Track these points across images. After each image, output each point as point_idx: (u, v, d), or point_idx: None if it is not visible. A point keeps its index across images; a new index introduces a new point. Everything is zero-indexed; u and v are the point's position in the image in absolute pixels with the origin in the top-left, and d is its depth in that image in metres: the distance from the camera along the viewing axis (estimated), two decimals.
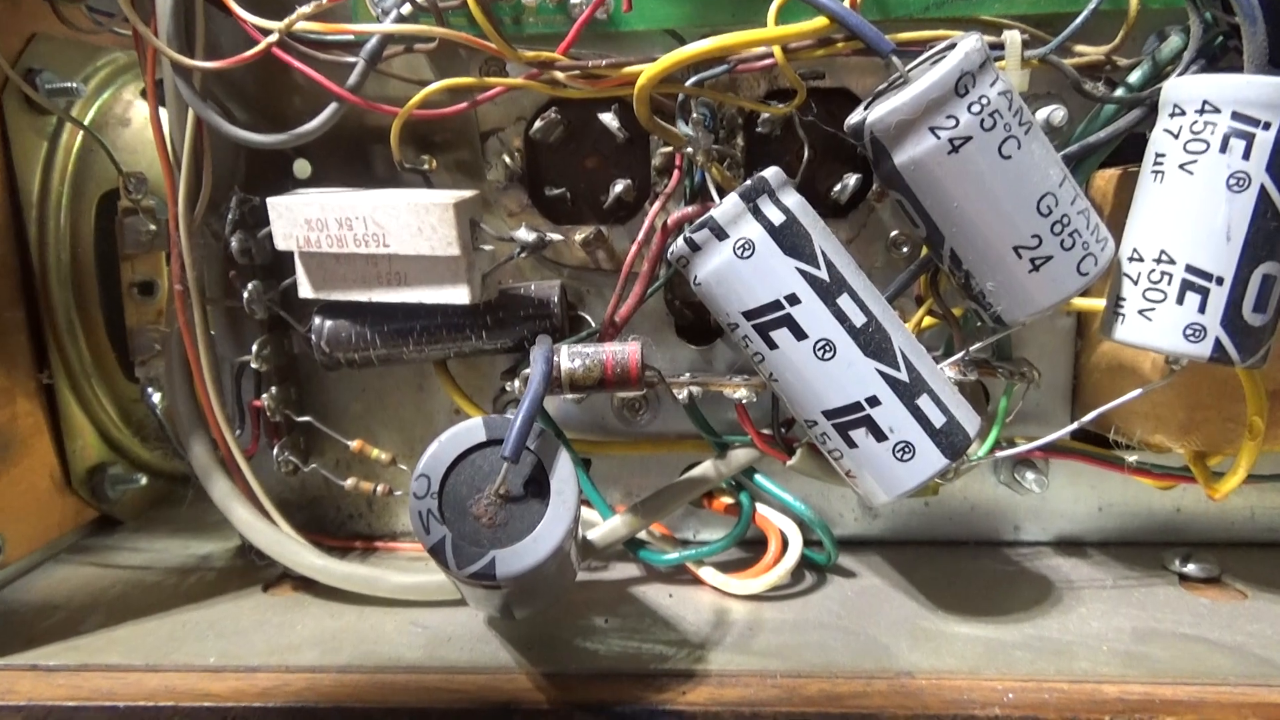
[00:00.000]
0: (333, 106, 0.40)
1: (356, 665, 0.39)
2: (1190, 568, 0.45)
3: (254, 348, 0.45)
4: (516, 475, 0.34)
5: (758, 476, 0.45)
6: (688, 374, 0.44)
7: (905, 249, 0.44)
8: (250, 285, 0.43)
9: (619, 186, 0.44)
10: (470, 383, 0.46)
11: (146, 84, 0.42)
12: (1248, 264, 0.33)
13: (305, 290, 0.41)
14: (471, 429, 0.34)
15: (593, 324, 0.44)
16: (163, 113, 0.42)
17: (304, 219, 0.39)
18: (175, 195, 0.42)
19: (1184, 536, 0.48)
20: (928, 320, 0.42)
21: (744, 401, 0.42)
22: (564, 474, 0.34)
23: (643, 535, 0.45)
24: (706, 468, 0.44)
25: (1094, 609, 0.42)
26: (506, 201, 0.45)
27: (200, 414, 0.45)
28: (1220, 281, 0.33)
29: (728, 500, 0.45)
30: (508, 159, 0.44)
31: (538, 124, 0.44)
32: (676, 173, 0.41)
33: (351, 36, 0.39)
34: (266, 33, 0.38)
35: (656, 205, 0.41)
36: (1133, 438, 0.42)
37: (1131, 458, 0.43)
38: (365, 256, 0.40)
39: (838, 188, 0.44)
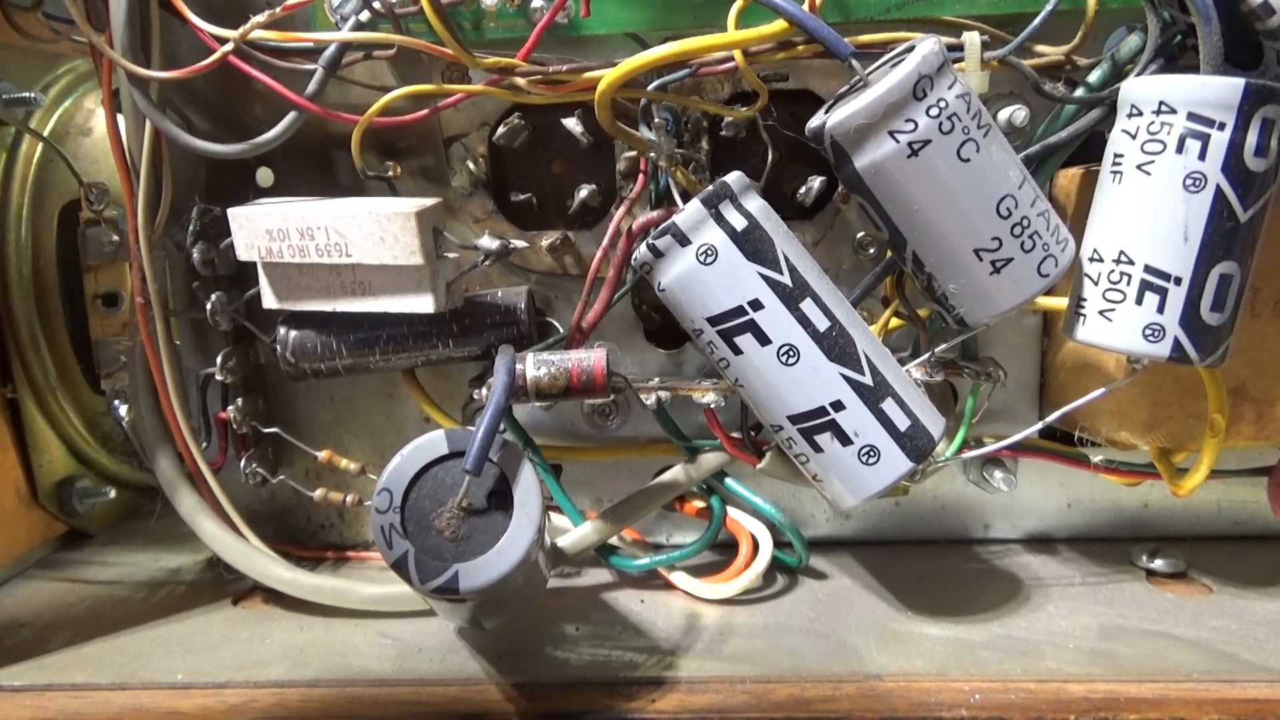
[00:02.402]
0: (291, 115, 0.39)
1: (325, 679, 0.38)
2: (1157, 563, 0.45)
3: (219, 359, 0.44)
4: (479, 488, 0.34)
5: (728, 480, 0.45)
6: (657, 379, 0.44)
7: (872, 250, 0.44)
8: (214, 296, 0.43)
9: (584, 191, 0.44)
10: (440, 390, 0.46)
11: (103, 94, 0.41)
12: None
13: (269, 301, 0.41)
14: (434, 441, 0.34)
15: (561, 330, 0.44)
16: (122, 122, 0.41)
17: (265, 229, 0.39)
18: (135, 207, 0.41)
19: (1152, 531, 0.48)
20: (894, 321, 0.42)
21: (713, 406, 0.42)
22: (527, 485, 0.34)
23: (614, 541, 0.45)
24: (677, 472, 0.44)
25: (1062, 606, 0.42)
26: (472, 208, 0.45)
27: (165, 427, 0.44)
28: (1178, 281, 0.33)
29: (699, 504, 0.45)
30: (472, 165, 0.44)
31: (501, 130, 0.43)
32: (641, 177, 0.41)
33: (310, 44, 0.39)
34: (224, 41, 0.38)
35: (621, 210, 0.41)
36: (1098, 435, 0.42)
37: (1098, 455, 0.43)
38: (328, 266, 0.39)
39: (803, 190, 0.44)
